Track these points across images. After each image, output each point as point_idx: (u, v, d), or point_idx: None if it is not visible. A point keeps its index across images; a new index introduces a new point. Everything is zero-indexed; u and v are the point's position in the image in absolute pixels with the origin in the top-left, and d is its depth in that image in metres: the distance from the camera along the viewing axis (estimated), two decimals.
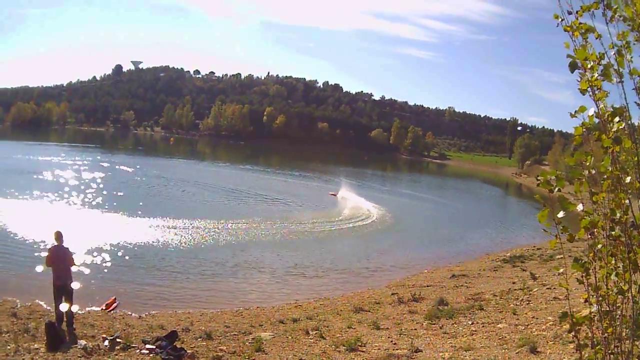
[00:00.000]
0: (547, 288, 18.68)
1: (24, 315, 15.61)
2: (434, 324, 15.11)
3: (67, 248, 14.50)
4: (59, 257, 14.18)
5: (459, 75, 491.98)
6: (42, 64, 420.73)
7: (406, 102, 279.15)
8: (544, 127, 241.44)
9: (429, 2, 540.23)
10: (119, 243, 26.29)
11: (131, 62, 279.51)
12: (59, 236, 14.39)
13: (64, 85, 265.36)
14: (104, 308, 17.34)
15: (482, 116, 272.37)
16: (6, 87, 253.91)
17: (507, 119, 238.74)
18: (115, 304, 17.90)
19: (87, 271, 20.70)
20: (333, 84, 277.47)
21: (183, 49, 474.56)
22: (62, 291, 14.19)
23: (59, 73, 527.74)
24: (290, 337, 14.56)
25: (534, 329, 13.47)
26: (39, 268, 19.31)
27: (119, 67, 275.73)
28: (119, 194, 43.61)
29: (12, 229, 27.05)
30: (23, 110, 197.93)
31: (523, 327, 13.82)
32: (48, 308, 16.22)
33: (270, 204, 46.26)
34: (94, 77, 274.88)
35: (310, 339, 14.41)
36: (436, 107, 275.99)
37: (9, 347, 12.40)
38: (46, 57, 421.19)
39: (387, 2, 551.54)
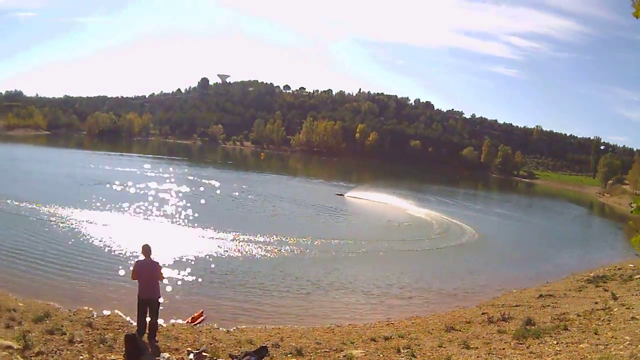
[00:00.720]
0: (626, 308, 18.92)
1: (101, 325, 15.55)
2: (521, 344, 15.12)
3: (156, 262, 14.51)
4: (146, 271, 14.23)
5: (544, 93, 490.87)
6: (119, 73, 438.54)
7: (495, 121, 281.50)
8: (624, 146, 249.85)
9: (514, 20, 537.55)
10: (207, 257, 26.97)
11: (218, 75, 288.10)
12: (147, 250, 14.43)
13: (146, 96, 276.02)
14: (189, 321, 17.33)
15: (567, 135, 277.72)
16: (81, 95, 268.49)
17: (591, 138, 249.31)
18: (202, 318, 17.75)
19: (173, 284, 20.78)
20: (424, 101, 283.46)
21: (272, 63, 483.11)
22: (147, 305, 14.20)
23: (139, 84, 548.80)
24: (381, 355, 14.58)
25: (612, 349, 13.54)
26: (120, 279, 20.48)
27: (205, 80, 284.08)
28: (207, 207, 44.27)
29: (95, 240, 28.03)
30: (101, 120, 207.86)
31: (603, 347, 13.88)
32: (128, 319, 16.39)
33: (362, 221, 46.88)
34: (179, 90, 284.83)
35: (402, 357, 14.42)
36: (524, 126, 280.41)
37: (81, 357, 12.45)
38: (125, 67, 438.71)
39: (473, 20, 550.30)
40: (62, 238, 28.27)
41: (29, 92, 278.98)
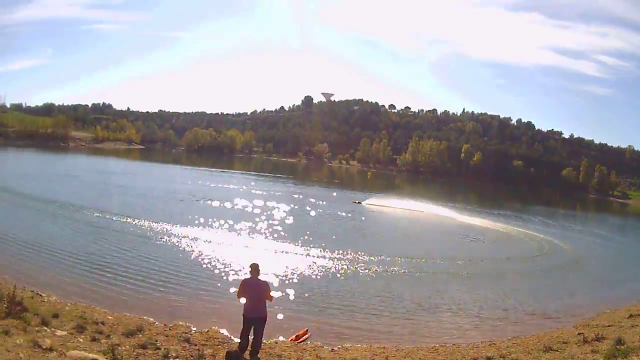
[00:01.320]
0: None
1: (199, 341, 15.73)
2: None
3: (265, 282, 14.74)
4: (254, 290, 14.31)
5: (636, 112, 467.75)
6: (217, 89, 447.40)
7: (592, 141, 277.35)
8: None
9: (602, 38, 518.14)
10: (312, 275, 27.42)
11: (322, 94, 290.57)
12: (255, 269, 14.48)
13: (248, 113, 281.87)
14: (293, 339, 17.50)
15: None
16: (177, 111, 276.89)
17: None
18: (306, 336, 17.98)
19: (277, 301, 20.26)
20: (526, 121, 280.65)
21: (375, 82, 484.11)
22: (253, 324, 14.27)
23: (239, 100, 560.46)
24: None
25: None
26: (219, 295, 21.31)
27: (309, 99, 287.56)
28: (313, 226, 44.25)
29: (195, 256, 28.72)
30: (200, 136, 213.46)
31: None
32: (228, 336, 16.72)
33: (468, 241, 46.51)
34: (282, 107, 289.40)
35: None
36: (618, 146, 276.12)
37: None
38: (222, 83, 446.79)
39: (564, 38, 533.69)
40: (161, 253, 28.81)
41: (118, 105, 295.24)
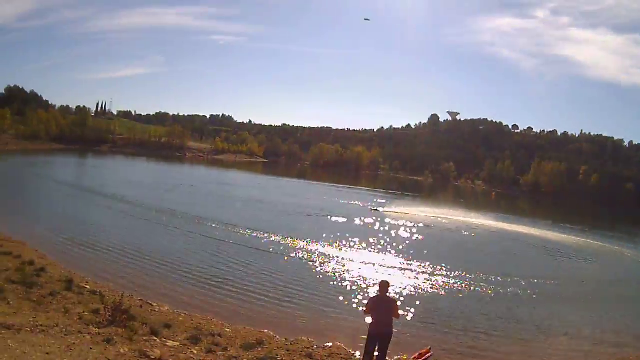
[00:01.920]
0: None
1: (321, 357, 15.97)
2: None
3: (393, 299, 14.70)
4: (382, 307, 13.97)
5: None
6: (345, 106, 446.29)
7: None
8: None
9: None
10: (437, 294, 26.65)
11: (448, 112, 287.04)
12: (384, 286, 14.22)
13: (375, 130, 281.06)
14: (416, 357, 16.97)
15: None
16: (302, 125, 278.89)
17: None
18: (429, 354, 17.26)
19: (401, 318, 19.31)
20: (637, 143, 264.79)
21: (498, 101, 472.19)
22: (378, 341, 13.96)
23: (365, 117, 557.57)
24: None
25: None
26: (342, 311, 21.17)
27: (435, 117, 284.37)
28: (439, 245, 43.29)
29: (318, 272, 28.46)
30: (326, 151, 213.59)
31: None
32: (351, 352, 16.69)
33: (575, 262, 44.41)
34: (409, 125, 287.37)
35: None
36: None
37: None
38: (346, 99, 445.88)
39: None
40: (283, 268, 28.56)
41: (239, 118, 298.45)
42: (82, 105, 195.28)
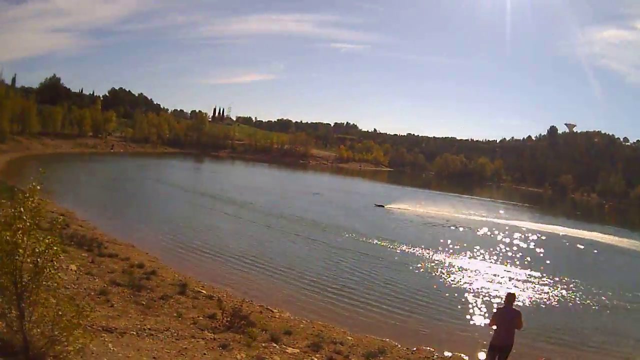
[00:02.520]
0: None
1: None
2: None
3: (518, 311, 14.13)
4: (507, 319, 13.76)
5: None
6: (469, 116, 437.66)
7: None
8: None
9: None
10: (550, 305, 25.83)
11: (565, 124, 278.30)
12: (510, 298, 14.03)
13: (497, 141, 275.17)
14: None
15: None
16: (427, 135, 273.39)
17: None
18: None
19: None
20: None
21: (609, 113, 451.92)
22: (500, 352, 13.88)
23: (489, 127, 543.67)
24: None
25: None
26: (463, 322, 20.70)
27: (553, 129, 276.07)
28: (557, 258, 40.72)
29: (439, 282, 27.75)
30: (450, 161, 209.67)
31: None
32: None
33: None
34: (529, 137, 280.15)
35: None
36: None
37: None
38: (473, 110, 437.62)
39: None
40: (405, 277, 27.87)
41: (364, 126, 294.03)
42: (197, 110, 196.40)
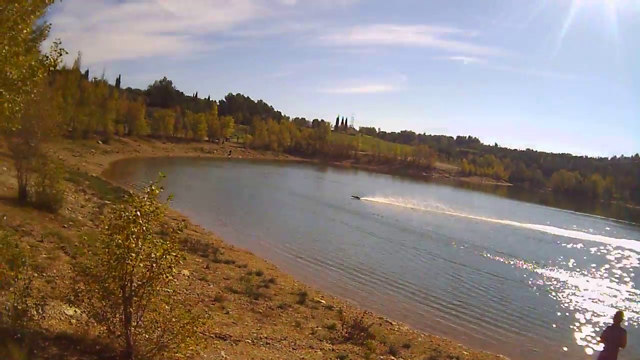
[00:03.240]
0: None
1: None
2: None
3: (623, 329, 13.81)
4: (613, 337, 13.60)
5: None
6: (582, 133, 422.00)
7: None
8: None
9: None
10: None
11: None
12: (618, 317, 13.81)
13: (609, 159, 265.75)
14: None
15: None
16: (544, 151, 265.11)
17: None
18: None
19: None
20: None
21: None
22: None
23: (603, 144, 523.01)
24: None
25: None
26: (572, 340, 20.55)
27: None
28: None
29: (556, 300, 27.23)
30: (566, 178, 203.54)
31: None
32: None
33: None
34: (637, 155, 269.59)
35: None
36: None
37: None
38: (589, 127, 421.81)
39: None
40: (520, 294, 27.42)
41: (485, 140, 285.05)
42: (320, 119, 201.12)
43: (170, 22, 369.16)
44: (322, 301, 19.24)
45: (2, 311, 7.96)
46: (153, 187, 8.35)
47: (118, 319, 8.39)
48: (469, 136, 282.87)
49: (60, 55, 8.71)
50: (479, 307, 23.44)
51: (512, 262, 34.86)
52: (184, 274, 17.60)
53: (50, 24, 11.32)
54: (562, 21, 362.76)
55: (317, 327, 15.64)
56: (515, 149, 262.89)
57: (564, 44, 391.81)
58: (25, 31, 8.78)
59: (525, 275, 31.62)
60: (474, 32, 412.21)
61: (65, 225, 19.96)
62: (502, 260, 35.18)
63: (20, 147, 21.95)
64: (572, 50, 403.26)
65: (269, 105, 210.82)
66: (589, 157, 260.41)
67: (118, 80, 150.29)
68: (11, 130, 9.96)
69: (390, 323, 18.44)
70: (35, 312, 8.19)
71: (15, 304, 7.92)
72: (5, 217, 10.50)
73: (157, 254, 8.10)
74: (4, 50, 8.25)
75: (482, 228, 52.79)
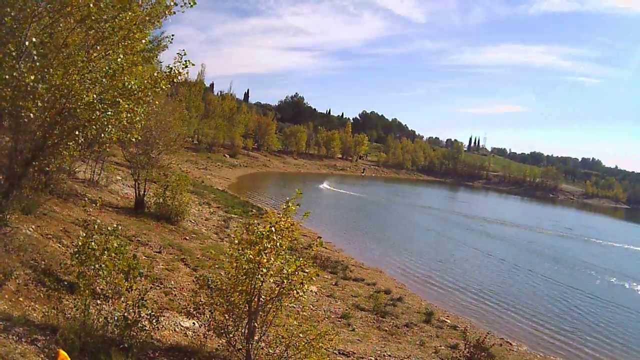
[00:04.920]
0: None
1: None
2: None
3: None
4: None
5: None
6: None
7: None
8: None
9: None
10: None
11: None
12: None
13: None
14: None
15: None
16: None
17: None
18: None
19: None
20: None
21: None
22: None
23: None
24: None
25: None
26: None
27: None
28: None
29: None
30: None
31: None
32: None
33: None
34: None
35: None
36: None
37: None
38: None
39: None
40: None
41: (607, 162, 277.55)
42: (453, 139, 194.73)
43: (299, 38, 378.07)
44: (448, 320, 18.84)
45: (110, 320, 8.00)
46: (290, 204, 8.31)
47: (240, 333, 8.41)
48: (592, 158, 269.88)
49: (186, 67, 8.84)
50: (595, 333, 22.66)
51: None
52: (311, 290, 17.54)
53: (173, 35, 11.53)
54: None
55: (440, 346, 15.38)
56: (633, 171, 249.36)
57: None
58: (142, 41, 8.93)
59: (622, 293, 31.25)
60: (594, 52, 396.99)
61: (187, 238, 20.51)
62: (618, 284, 34.29)
63: (139, 158, 22.52)
64: None
65: (403, 124, 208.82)
66: None
67: (246, 94, 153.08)
68: (129, 140, 10.06)
69: (510, 344, 18.17)
70: (147, 323, 8.22)
71: (125, 314, 7.97)
72: (119, 227, 10.59)
73: (290, 269, 8.02)
74: (119, 59, 8.37)
75: (604, 251, 50.69)
